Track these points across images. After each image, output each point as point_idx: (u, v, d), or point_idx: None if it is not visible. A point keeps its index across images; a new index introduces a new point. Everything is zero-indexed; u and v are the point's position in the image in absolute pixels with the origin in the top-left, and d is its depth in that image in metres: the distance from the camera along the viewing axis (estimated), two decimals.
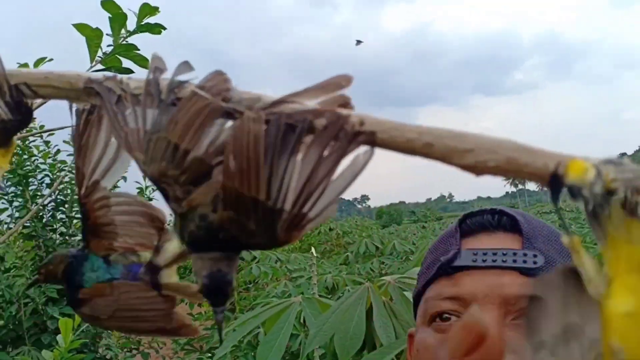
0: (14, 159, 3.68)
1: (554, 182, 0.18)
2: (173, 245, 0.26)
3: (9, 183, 3.75)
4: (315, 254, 2.07)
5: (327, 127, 0.20)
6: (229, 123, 0.22)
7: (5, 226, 3.79)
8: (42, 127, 2.70)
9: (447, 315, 0.61)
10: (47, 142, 3.80)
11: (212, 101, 0.22)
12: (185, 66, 0.24)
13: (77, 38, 0.93)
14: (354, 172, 0.20)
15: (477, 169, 0.20)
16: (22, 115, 0.26)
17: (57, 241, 3.87)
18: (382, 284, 1.10)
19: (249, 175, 0.20)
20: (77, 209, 3.94)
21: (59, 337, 1.48)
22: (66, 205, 3.89)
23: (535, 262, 0.61)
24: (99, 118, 0.26)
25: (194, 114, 0.22)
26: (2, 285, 3.46)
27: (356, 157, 0.21)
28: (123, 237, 0.28)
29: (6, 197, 3.76)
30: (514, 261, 0.60)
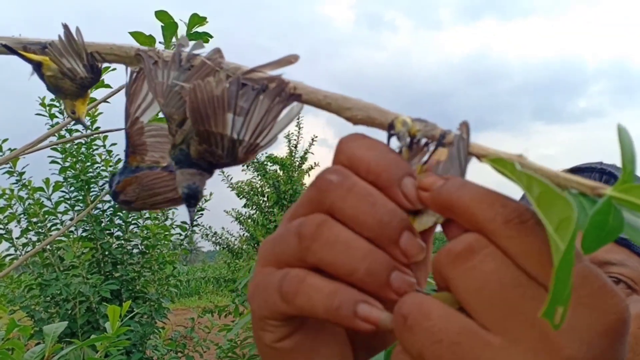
0: (77, 166, 3.91)
1: (389, 128, 0.30)
2: None
3: (72, 188, 3.97)
4: None
5: (276, 87, 0.31)
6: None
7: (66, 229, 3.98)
8: (97, 128, 2.90)
9: None
10: (109, 152, 4.02)
11: (214, 67, 0.33)
12: (199, 45, 0.35)
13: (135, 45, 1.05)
14: (290, 117, 0.32)
15: (353, 120, 0.31)
16: (95, 74, 0.38)
17: (114, 245, 4.07)
18: None
19: (215, 119, 0.31)
20: (133, 215, 4.13)
21: (107, 324, 1.56)
22: (124, 211, 4.07)
23: None
24: (142, 76, 0.37)
25: (201, 77, 0.33)
26: (60, 283, 3.65)
27: (291, 107, 0.32)
28: (151, 152, 0.38)
29: (69, 202, 3.97)
30: None
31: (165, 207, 0.37)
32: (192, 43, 0.35)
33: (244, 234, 7.96)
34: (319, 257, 0.27)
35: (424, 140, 0.29)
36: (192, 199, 0.33)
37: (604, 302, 0.25)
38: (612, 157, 0.69)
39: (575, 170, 0.66)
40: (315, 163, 7.91)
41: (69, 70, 0.37)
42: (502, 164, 0.27)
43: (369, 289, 0.27)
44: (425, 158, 0.30)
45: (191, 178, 0.33)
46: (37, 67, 0.38)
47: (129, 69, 0.37)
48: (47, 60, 0.37)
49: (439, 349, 0.25)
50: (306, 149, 7.92)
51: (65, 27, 0.37)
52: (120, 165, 0.39)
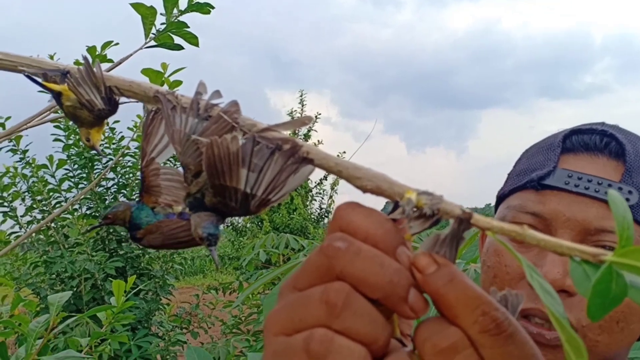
0: (80, 143, 3.91)
1: (395, 202, 0.31)
2: None
3: (75, 166, 3.97)
4: None
5: (289, 149, 0.32)
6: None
7: (71, 207, 3.98)
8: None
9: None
10: (112, 129, 4.01)
11: (230, 122, 0.34)
12: (217, 94, 0.36)
13: (134, 16, 1.01)
14: (301, 177, 0.33)
15: (362, 189, 0.32)
16: (112, 107, 0.39)
17: None
18: None
19: (230, 174, 0.32)
20: (137, 192, 4.12)
21: (112, 299, 1.57)
22: (127, 189, 4.08)
23: (627, 200, 0.58)
24: (160, 118, 0.38)
25: (219, 130, 0.34)
26: (65, 261, 3.68)
27: (303, 169, 0.33)
28: (164, 195, 0.40)
29: (73, 180, 3.98)
30: (606, 193, 0.55)
31: (188, 247, 0.38)
32: (210, 91, 0.36)
33: None
34: (348, 325, 0.29)
35: (429, 211, 0.31)
36: (213, 238, 0.35)
37: None
38: None
39: (576, 132, 0.65)
40: (318, 141, 7.92)
41: (87, 102, 0.38)
42: (502, 243, 0.30)
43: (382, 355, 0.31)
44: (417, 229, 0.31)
45: (208, 219, 0.34)
46: (57, 96, 0.38)
47: (146, 107, 0.38)
48: (67, 91, 0.37)
49: None
50: (309, 127, 7.90)
51: (85, 59, 0.37)
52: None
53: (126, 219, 0.40)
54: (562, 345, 0.27)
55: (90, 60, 0.36)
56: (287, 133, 0.34)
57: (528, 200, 0.62)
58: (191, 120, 0.35)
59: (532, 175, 0.62)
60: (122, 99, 0.38)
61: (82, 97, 0.37)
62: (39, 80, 0.38)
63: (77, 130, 3.71)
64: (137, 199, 0.41)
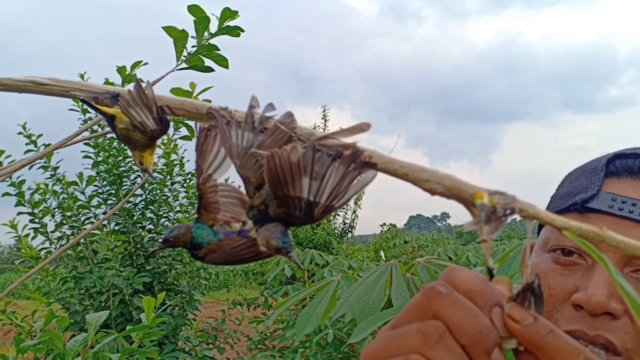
0: (110, 160, 3.97)
1: (466, 203, 0.32)
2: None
3: (104, 182, 4.03)
4: (384, 257, 2.14)
5: (350, 155, 0.33)
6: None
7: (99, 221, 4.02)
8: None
9: (569, 250, 0.61)
10: None
11: (288, 132, 0.35)
12: (271, 107, 0.36)
13: (165, 39, 1.03)
14: (364, 183, 0.33)
15: (431, 192, 0.32)
16: (164, 126, 0.40)
17: (146, 238, 4.12)
18: (412, 265, 1.20)
19: (293, 184, 0.33)
20: (164, 208, 4.17)
21: (142, 315, 1.59)
22: (155, 205, 4.12)
23: None
24: (213, 135, 0.39)
25: (276, 141, 0.35)
26: (94, 276, 3.72)
27: (366, 174, 0.33)
28: (222, 212, 0.40)
29: (102, 196, 4.04)
30: None
31: (251, 262, 0.39)
32: (263, 105, 0.36)
33: None
34: (440, 356, 0.32)
35: (501, 212, 0.31)
36: (288, 245, 0.36)
37: None
38: None
39: (619, 156, 0.65)
40: None
41: (140, 124, 0.39)
42: (582, 243, 0.30)
43: None
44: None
45: (276, 230, 0.36)
46: (111, 119, 0.39)
47: (199, 125, 0.39)
48: (120, 113, 0.38)
49: None
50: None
51: (137, 80, 0.38)
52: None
53: (187, 241, 0.40)
54: None
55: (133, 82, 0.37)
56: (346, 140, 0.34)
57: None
58: (247, 134, 0.36)
59: (575, 199, 0.62)
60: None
61: (135, 119, 0.38)
62: (93, 104, 0.39)
63: (106, 147, 3.76)
64: (195, 218, 0.41)
